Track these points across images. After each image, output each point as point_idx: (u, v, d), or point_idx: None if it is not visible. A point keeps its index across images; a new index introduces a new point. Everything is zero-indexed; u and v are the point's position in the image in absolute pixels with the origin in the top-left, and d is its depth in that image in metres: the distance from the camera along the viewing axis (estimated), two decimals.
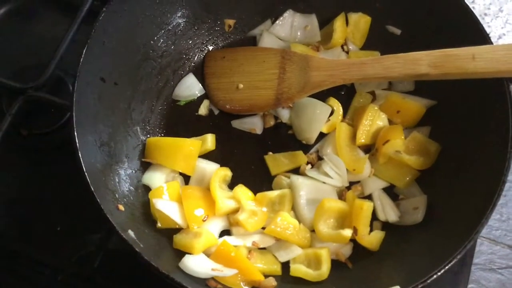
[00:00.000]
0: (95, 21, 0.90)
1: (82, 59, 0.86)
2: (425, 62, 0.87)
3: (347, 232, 0.88)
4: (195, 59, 1.09)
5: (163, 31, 1.03)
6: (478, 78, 0.86)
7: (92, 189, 0.78)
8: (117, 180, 0.90)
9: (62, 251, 1.00)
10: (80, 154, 0.79)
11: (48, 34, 1.18)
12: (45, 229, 1.02)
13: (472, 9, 1.12)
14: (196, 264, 0.83)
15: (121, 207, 0.85)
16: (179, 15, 1.04)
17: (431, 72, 0.87)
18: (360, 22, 1.07)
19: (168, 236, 0.90)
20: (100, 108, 0.91)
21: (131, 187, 0.93)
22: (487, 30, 1.10)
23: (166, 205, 0.89)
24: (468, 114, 0.94)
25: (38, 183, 1.06)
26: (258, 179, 1.00)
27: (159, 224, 0.89)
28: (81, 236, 1.01)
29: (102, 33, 0.90)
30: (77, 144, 0.80)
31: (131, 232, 0.81)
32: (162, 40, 1.03)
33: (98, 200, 0.77)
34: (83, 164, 0.79)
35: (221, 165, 0.99)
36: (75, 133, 0.81)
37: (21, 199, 1.05)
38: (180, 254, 0.87)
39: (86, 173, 0.78)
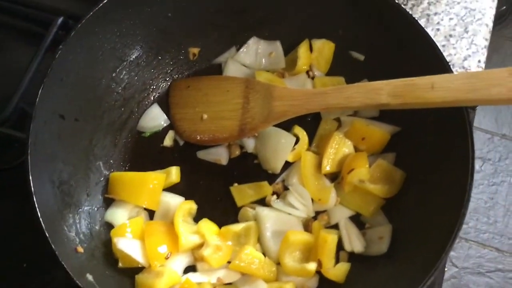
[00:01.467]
0: (52, 57, 0.89)
1: (38, 99, 0.84)
2: (385, 91, 0.87)
3: (312, 266, 0.88)
4: (160, 89, 1.08)
5: (125, 62, 1.02)
6: (438, 107, 0.85)
7: (47, 234, 0.76)
8: (77, 220, 0.89)
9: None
10: (35, 199, 0.78)
11: (12, 65, 1.16)
12: (11, 268, 1.00)
13: (437, 30, 1.14)
14: None
15: (80, 249, 0.84)
16: (141, 46, 1.03)
17: (391, 102, 0.86)
18: (324, 48, 1.06)
19: (130, 275, 0.88)
20: (60, 147, 0.89)
21: (92, 226, 0.91)
22: (452, 51, 1.12)
23: (128, 244, 0.88)
24: (431, 141, 0.94)
25: (1, 220, 1.03)
26: (224, 211, 0.99)
27: (120, 264, 0.88)
28: (48, 271, 1.00)
29: (60, 70, 0.88)
30: (32, 189, 0.79)
31: (89, 276, 0.79)
32: (124, 72, 1.02)
33: (53, 247, 0.76)
34: (37, 209, 0.78)
35: (186, 198, 0.98)
36: (30, 177, 0.79)
37: None
38: None
39: (40, 219, 0.77)
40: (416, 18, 0.97)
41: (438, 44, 0.95)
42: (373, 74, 0.98)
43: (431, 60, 0.92)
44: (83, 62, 0.94)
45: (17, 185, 1.03)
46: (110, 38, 0.97)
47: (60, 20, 1.11)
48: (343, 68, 1.06)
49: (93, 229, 0.91)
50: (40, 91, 0.85)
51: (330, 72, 1.08)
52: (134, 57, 1.03)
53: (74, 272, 0.76)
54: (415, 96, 0.85)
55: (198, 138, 1.02)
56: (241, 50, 1.09)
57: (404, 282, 0.83)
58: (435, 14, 1.15)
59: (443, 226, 0.82)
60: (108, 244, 0.90)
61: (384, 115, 1.02)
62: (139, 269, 0.89)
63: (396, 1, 0.97)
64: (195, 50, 1.09)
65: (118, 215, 0.94)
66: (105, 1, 0.91)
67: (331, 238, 0.89)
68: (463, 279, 1.03)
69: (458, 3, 1.16)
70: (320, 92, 0.94)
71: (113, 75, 1.01)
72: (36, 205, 0.78)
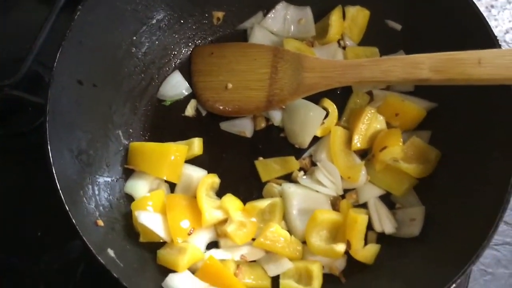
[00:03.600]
0: (71, 18, 0.83)
1: (55, 63, 0.79)
2: (427, 66, 0.81)
3: (340, 247, 0.84)
4: (182, 55, 1.02)
5: (145, 26, 0.96)
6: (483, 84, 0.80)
7: (67, 208, 0.72)
8: (96, 191, 0.85)
9: (42, 259, 0.96)
10: (54, 169, 0.74)
11: (25, 24, 1.11)
12: (25, 235, 0.97)
13: (478, 0, 1.07)
14: (180, 283, 0.79)
15: (100, 223, 0.80)
16: (163, 8, 0.97)
17: (432, 77, 0.81)
18: (358, 16, 1.00)
19: (152, 250, 0.85)
20: (78, 114, 0.85)
21: (112, 198, 0.88)
22: (494, 23, 1.05)
23: (150, 218, 0.84)
24: (471, 118, 0.89)
25: (16, 185, 1.00)
26: (248, 186, 0.95)
27: (141, 239, 0.85)
28: (64, 241, 0.97)
29: (79, 32, 0.83)
30: (51, 158, 0.74)
31: (110, 251, 0.76)
32: (145, 36, 0.97)
33: (73, 221, 0.72)
34: (56, 180, 0.74)
35: (209, 171, 0.94)
36: (48, 146, 0.75)
37: None
38: (164, 270, 0.83)
39: (60, 191, 0.73)
40: None
41: None
42: (410, 46, 0.92)
43: (476, 33, 0.86)
44: (103, 24, 0.88)
45: (30, 149, 1.01)
46: None
47: None
48: (378, 38, 1.00)
49: (113, 201, 0.87)
50: (58, 55, 0.80)
51: (363, 42, 1.02)
52: (155, 20, 0.97)
53: (95, 247, 0.73)
54: (459, 72, 0.79)
55: (222, 108, 0.97)
56: (269, 15, 1.03)
57: (436, 270, 0.79)
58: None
59: (483, 211, 0.78)
60: (128, 217, 0.87)
61: (420, 89, 0.97)
62: (161, 244, 0.86)
63: None
64: (219, 14, 1.03)
65: (138, 187, 0.90)
66: None
67: (361, 218, 0.85)
68: None
69: None
70: (354, 64, 0.88)
71: (134, 38, 0.95)
72: (55, 176, 0.74)
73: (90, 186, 0.84)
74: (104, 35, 0.89)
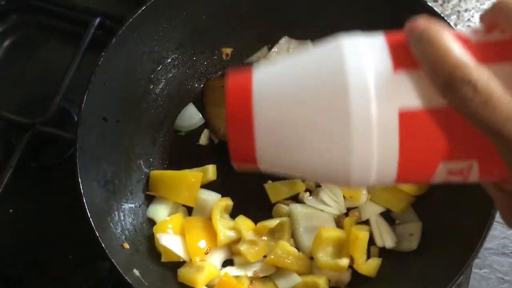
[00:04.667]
0: (95, 63, 0.93)
1: (83, 104, 0.89)
2: None
3: (344, 262, 0.92)
4: (195, 88, 1.12)
5: (161, 65, 1.06)
6: None
7: (97, 234, 0.81)
8: (121, 217, 0.94)
9: (73, 280, 1.04)
10: (84, 200, 0.83)
11: (52, 65, 1.20)
12: (57, 259, 1.06)
13: (467, 27, 1.15)
14: None
15: (126, 245, 0.89)
16: (177, 48, 1.06)
17: None
18: None
19: (172, 269, 0.93)
20: (104, 148, 0.94)
21: (136, 222, 0.97)
22: None
23: (170, 240, 0.93)
24: None
25: (48, 213, 1.09)
26: (258, 207, 1.02)
27: (163, 258, 0.93)
28: (92, 263, 1.05)
29: (103, 75, 0.93)
30: (82, 190, 0.84)
31: (136, 271, 0.85)
32: (161, 74, 1.06)
33: (103, 245, 0.81)
34: (87, 209, 0.83)
35: (222, 195, 1.02)
36: (79, 179, 0.84)
37: (31, 229, 1.09)
38: (185, 287, 0.91)
39: (91, 219, 0.82)
40: (447, 15, 0.98)
41: None
42: None
43: None
44: (124, 66, 0.98)
45: (60, 180, 1.11)
46: (148, 42, 1.01)
47: (97, 20, 1.15)
48: None
49: (137, 225, 0.96)
50: (85, 97, 0.89)
51: None
52: (170, 59, 1.06)
53: (122, 267, 0.81)
54: None
55: None
56: (273, 49, 1.12)
57: (434, 278, 0.86)
58: (466, 10, 1.15)
59: (472, 227, 0.85)
60: (151, 239, 0.95)
61: None
62: (181, 263, 0.94)
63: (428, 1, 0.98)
64: (228, 50, 1.12)
65: (159, 212, 0.99)
66: (143, 8, 0.95)
67: (362, 235, 0.93)
68: (487, 259, 1.05)
69: None
70: None
71: (151, 77, 1.05)
72: (86, 205, 0.83)
73: (116, 213, 0.93)
74: (125, 75, 0.99)
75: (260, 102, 0.44)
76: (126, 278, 0.80)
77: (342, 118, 0.42)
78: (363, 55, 0.43)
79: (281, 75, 0.46)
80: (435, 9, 0.96)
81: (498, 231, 1.06)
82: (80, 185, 0.84)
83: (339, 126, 0.42)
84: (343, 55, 0.43)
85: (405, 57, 0.42)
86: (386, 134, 0.41)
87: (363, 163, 0.42)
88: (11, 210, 1.09)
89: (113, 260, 0.80)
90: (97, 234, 0.81)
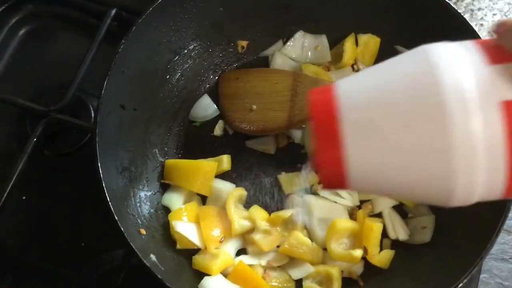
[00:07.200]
0: (114, 51, 0.94)
1: (103, 91, 0.89)
2: None
3: (358, 253, 0.92)
4: (210, 80, 1.13)
5: (178, 56, 1.07)
6: None
7: (116, 218, 0.82)
8: (138, 203, 0.95)
9: (86, 267, 1.05)
10: (104, 185, 0.84)
11: (67, 55, 1.21)
12: (70, 246, 1.07)
13: (480, 25, 1.16)
14: (215, 285, 0.88)
15: (143, 231, 0.90)
16: (194, 39, 1.07)
17: None
18: (370, 42, 1.09)
19: (187, 256, 0.94)
20: (121, 135, 0.95)
21: (151, 209, 0.97)
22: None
23: (185, 227, 0.94)
24: None
25: (61, 201, 1.10)
26: (272, 198, 1.04)
27: (178, 246, 0.94)
28: (105, 251, 1.06)
29: (122, 63, 0.94)
30: (101, 175, 0.84)
31: (152, 256, 0.85)
32: (178, 64, 1.07)
33: (122, 229, 0.82)
34: (107, 194, 0.84)
35: (237, 185, 1.03)
36: (99, 164, 0.85)
37: (45, 217, 1.10)
38: (199, 274, 0.92)
39: (110, 203, 0.83)
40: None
41: None
42: None
43: None
44: (142, 55, 0.99)
45: (75, 168, 1.12)
46: (166, 32, 1.02)
47: (113, 11, 1.16)
48: None
49: (152, 212, 0.97)
50: (105, 84, 0.90)
51: None
52: (187, 49, 1.07)
53: (140, 252, 0.82)
54: None
55: (247, 128, 1.07)
56: (288, 43, 1.13)
57: (446, 272, 0.87)
58: (479, 9, 1.17)
59: (485, 221, 0.86)
60: (166, 227, 0.96)
61: None
62: (195, 251, 0.95)
63: None
64: (244, 43, 1.13)
65: (174, 200, 0.99)
66: None
67: (376, 226, 0.94)
68: (487, 264, 1.05)
69: None
70: None
71: (168, 67, 1.06)
72: (105, 189, 0.84)
73: (133, 199, 0.94)
74: (143, 65, 1.00)
75: (351, 129, 0.44)
76: (145, 261, 0.81)
77: (444, 136, 0.41)
78: (457, 66, 0.43)
79: (371, 99, 0.46)
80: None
81: (498, 236, 1.08)
82: (100, 169, 0.85)
83: (441, 144, 0.41)
84: (438, 72, 0.44)
85: (499, 54, 0.43)
86: (492, 148, 0.39)
87: (468, 178, 0.40)
88: (24, 197, 1.10)
89: (131, 244, 0.81)
90: (116, 218, 0.82)
